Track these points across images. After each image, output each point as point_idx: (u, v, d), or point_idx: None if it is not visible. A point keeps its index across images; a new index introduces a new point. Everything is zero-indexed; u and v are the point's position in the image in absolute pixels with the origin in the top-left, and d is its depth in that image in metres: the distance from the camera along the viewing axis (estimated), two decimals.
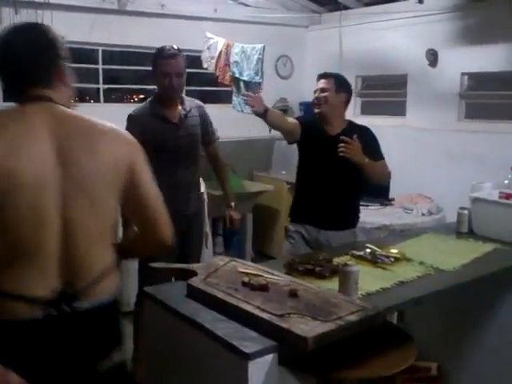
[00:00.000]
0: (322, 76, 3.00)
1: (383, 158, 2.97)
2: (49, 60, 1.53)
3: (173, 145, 2.97)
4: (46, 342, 1.46)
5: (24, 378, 1.38)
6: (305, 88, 5.68)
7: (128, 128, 2.65)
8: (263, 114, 2.84)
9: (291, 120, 3.08)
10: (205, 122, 3.17)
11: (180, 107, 3.04)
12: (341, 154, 2.70)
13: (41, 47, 1.52)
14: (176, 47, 2.96)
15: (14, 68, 1.51)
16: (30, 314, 1.43)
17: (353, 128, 2.97)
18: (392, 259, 2.36)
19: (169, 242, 1.66)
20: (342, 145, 2.69)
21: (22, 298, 1.42)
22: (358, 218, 3.08)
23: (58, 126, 1.48)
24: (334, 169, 2.89)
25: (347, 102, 3.01)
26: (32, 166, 1.42)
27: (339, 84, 2.95)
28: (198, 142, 3.14)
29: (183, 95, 3.14)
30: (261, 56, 4.79)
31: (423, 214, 3.97)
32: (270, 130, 5.30)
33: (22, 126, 1.46)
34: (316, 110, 2.97)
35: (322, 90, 2.92)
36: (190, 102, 3.12)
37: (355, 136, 2.71)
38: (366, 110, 5.54)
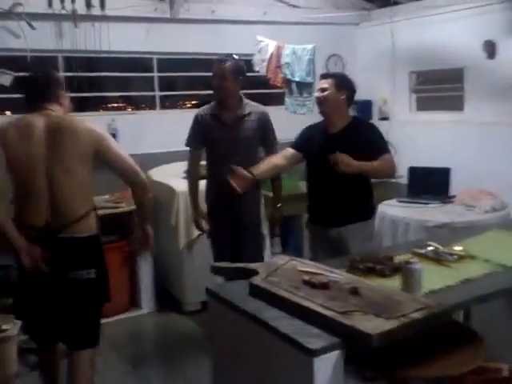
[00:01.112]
0: (322, 76, 3.11)
1: (388, 152, 2.99)
2: (53, 88, 2.59)
3: (223, 144, 3.25)
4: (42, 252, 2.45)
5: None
6: (357, 86, 5.61)
7: (192, 124, 3.37)
8: (253, 181, 3.01)
9: (285, 152, 3.13)
10: (263, 127, 3.32)
11: (238, 110, 3.26)
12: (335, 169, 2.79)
13: (48, 81, 2.61)
14: (236, 56, 3.32)
15: (33, 91, 2.61)
16: (34, 234, 2.46)
17: (356, 125, 3.03)
18: (456, 257, 2.30)
19: (140, 179, 2.60)
20: (331, 163, 2.78)
21: (31, 226, 2.46)
22: (370, 210, 3.12)
23: (50, 124, 2.48)
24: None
25: (349, 99, 3.05)
26: (32, 147, 2.44)
27: (339, 82, 3.01)
28: (252, 145, 3.30)
29: (246, 100, 3.35)
30: (312, 56, 4.79)
31: (486, 211, 3.83)
32: None
33: (29, 124, 2.49)
34: (318, 110, 3.08)
35: (322, 90, 3.00)
36: (253, 107, 3.33)
37: (337, 152, 2.77)
38: (422, 105, 5.42)
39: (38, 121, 2.48)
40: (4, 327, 3.04)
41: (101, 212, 3.86)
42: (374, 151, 2.91)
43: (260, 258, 3.31)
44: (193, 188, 3.49)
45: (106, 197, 4.26)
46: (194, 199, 3.49)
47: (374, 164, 2.86)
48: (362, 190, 3.05)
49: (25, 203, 2.49)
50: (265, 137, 3.35)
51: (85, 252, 2.55)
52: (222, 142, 3.27)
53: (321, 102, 3.02)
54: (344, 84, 3.04)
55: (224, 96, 3.28)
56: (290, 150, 3.14)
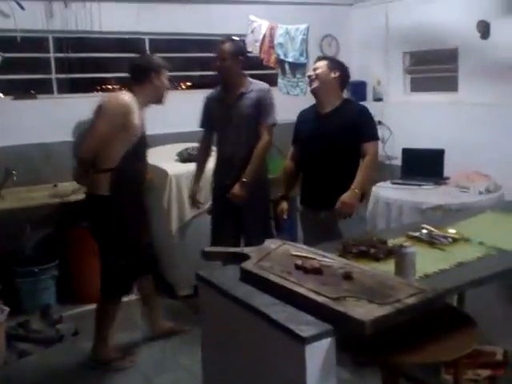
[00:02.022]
0: (316, 59, 3.19)
1: (376, 139, 3.05)
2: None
3: (223, 123, 3.40)
4: None
5: None
6: (351, 67, 5.48)
7: (202, 107, 3.53)
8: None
9: (291, 154, 3.26)
10: (260, 103, 3.35)
11: (240, 89, 3.36)
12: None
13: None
14: (236, 38, 3.45)
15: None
16: None
17: (347, 106, 3.07)
18: (450, 239, 2.30)
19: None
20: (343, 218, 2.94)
21: None
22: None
23: None
24: (325, 146, 2.99)
25: (342, 80, 3.09)
26: None
27: (332, 63, 3.09)
28: (250, 122, 3.34)
29: (250, 79, 3.46)
30: (305, 36, 4.72)
31: (481, 193, 3.82)
32: None
33: None
34: (309, 88, 3.14)
35: (314, 69, 3.08)
36: (254, 85, 3.42)
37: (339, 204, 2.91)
38: (416, 86, 5.37)
39: None
40: None
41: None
42: (361, 135, 2.97)
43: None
44: (198, 166, 3.60)
45: None
46: (196, 176, 3.59)
47: (363, 178, 2.96)
48: (351, 172, 3.04)
49: None
50: (258, 111, 3.35)
51: None
52: (222, 120, 3.41)
53: (312, 80, 3.07)
54: (336, 65, 3.09)
55: (224, 76, 3.39)
56: (292, 149, 3.25)
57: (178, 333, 3.50)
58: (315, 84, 3.04)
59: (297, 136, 3.23)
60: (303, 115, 3.23)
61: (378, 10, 5.28)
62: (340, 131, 2.96)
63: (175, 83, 4.97)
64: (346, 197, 2.91)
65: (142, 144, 2.99)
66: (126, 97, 2.91)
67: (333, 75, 3.03)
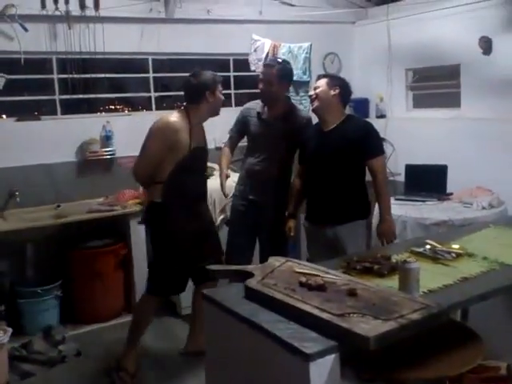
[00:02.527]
0: (317, 77, 3.20)
1: (381, 154, 3.04)
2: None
3: (258, 138, 3.44)
4: None
5: None
6: (353, 85, 5.53)
7: (237, 116, 3.61)
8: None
9: (300, 172, 3.31)
10: (300, 130, 3.32)
11: (281, 111, 3.38)
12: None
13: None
14: (280, 60, 3.52)
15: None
16: None
17: (350, 122, 3.07)
18: (454, 255, 2.29)
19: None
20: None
21: None
22: (364, 209, 3.12)
23: None
24: (328, 163, 3.00)
25: (343, 97, 3.08)
26: None
27: (331, 81, 3.08)
28: (286, 145, 3.37)
29: (292, 103, 3.58)
30: (308, 55, 4.77)
31: (484, 208, 3.81)
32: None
33: None
34: (311, 108, 3.16)
35: (315, 88, 3.10)
36: (297, 111, 3.49)
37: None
38: (419, 103, 5.39)
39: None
40: None
41: (95, 215, 3.89)
42: (366, 151, 2.96)
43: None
44: (225, 161, 3.53)
45: (101, 200, 4.22)
46: (223, 164, 3.52)
47: (385, 200, 3.00)
48: (357, 189, 3.06)
49: None
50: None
51: None
52: (258, 135, 3.44)
53: (313, 99, 3.09)
54: (336, 81, 3.10)
55: (268, 101, 3.42)
56: (300, 168, 3.28)
57: None
58: (316, 103, 3.06)
59: (304, 156, 3.25)
60: (308, 133, 3.23)
61: (380, 28, 5.31)
62: (342, 147, 2.96)
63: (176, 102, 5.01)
64: (383, 229, 2.98)
65: (192, 158, 3.09)
66: (172, 118, 3.06)
67: (332, 92, 3.03)
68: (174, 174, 3.05)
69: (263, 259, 2.89)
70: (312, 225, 3.17)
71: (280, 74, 3.32)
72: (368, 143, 2.98)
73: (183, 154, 3.04)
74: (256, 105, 3.52)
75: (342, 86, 3.08)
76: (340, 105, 3.09)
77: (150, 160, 3.05)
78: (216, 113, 3.22)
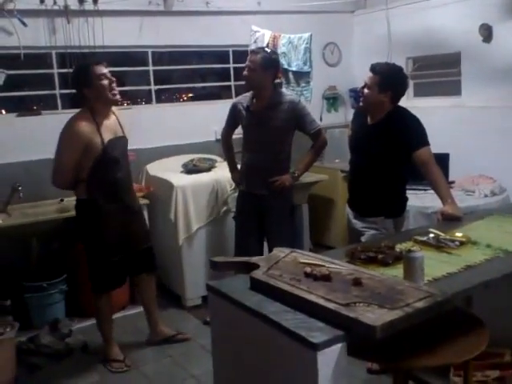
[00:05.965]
0: (371, 67, 2.91)
1: (427, 144, 2.86)
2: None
3: (251, 132, 3.47)
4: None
5: None
6: (354, 74, 5.59)
7: (228, 111, 3.65)
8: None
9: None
10: (295, 116, 3.39)
11: (269, 100, 3.38)
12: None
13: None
14: (269, 50, 3.51)
15: None
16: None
17: (395, 115, 2.91)
18: (457, 243, 2.30)
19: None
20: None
21: None
22: (396, 207, 3.04)
23: None
24: (371, 156, 2.93)
25: (393, 99, 2.90)
26: None
27: (384, 82, 2.84)
28: (279, 135, 3.40)
29: (280, 90, 3.59)
30: (308, 45, 4.75)
31: (486, 196, 3.82)
32: (320, 119, 5.28)
33: None
34: (359, 104, 3.07)
35: (365, 84, 2.90)
36: (283, 97, 3.42)
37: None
38: (420, 91, 5.39)
39: None
40: (1, 330, 3.05)
41: None
42: (412, 142, 2.83)
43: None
44: (228, 154, 3.77)
45: None
46: (230, 162, 3.77)
47: (445, 186, 2.89)
48: (396, 181, 3.01)
49: None
50: (301, 124, 3.43)
51: None
52: (249, 129, 3.48)
53: (361, 98, 2.96)
54: (389, 84, 2.86)
55: (250, 87, 3.45)
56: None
57: (179, 340, 3.56)
58: (363, 103, 2.94)
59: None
60: (355, 121, 3.17)
61: (380, 17, 5.30)
62: (388, 140, 2.86)
63: (176, 95, 5.00)
64: (449, 210, 2.76)
65: (109, 151, 3.11)
66: (77, 123, 3.05)
67: (383, 98, 2.85)
68: (94, 169, 3.09)
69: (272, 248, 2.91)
70: (350, 212, 3.12)
71: (263, 61, 3.31)
72: (411, 136, 2.84)
73: (98, 152, 3.06)
74: (245, 98, 3.53)
75: (394, 90, 2.87)
76: (390, 105, 2.91)
77: (66, 168, 3.08)
78: (110, 100, 3.12)
